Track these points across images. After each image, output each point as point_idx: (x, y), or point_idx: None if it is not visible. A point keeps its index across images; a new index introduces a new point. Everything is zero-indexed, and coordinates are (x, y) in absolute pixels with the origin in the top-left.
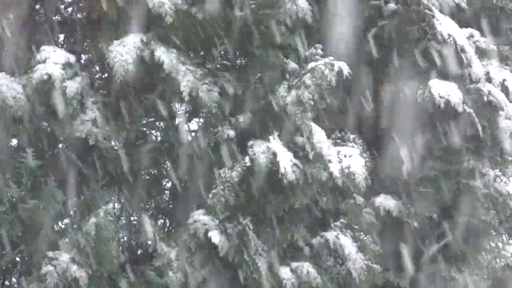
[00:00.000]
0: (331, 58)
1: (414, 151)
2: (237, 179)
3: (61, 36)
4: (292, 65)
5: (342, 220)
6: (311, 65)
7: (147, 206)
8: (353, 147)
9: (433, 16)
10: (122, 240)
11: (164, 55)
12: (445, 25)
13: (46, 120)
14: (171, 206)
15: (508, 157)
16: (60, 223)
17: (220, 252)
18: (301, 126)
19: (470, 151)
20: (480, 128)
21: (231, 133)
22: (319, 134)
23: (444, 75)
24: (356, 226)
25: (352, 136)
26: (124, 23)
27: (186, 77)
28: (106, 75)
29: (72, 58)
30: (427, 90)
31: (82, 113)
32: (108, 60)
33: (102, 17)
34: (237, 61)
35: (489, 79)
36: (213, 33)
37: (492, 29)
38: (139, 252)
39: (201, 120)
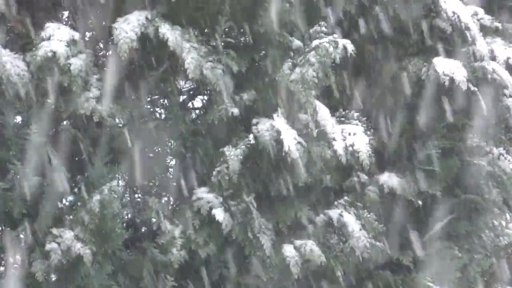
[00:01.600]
0: (335, 35)
1: (418, 129)
2: (241, 157)
3: (66, 13)
4: (297, 42)
5: (345, 198)
6: (315, 42)
7: (151, 184)
8: (357, 125)
9: None
10: (126, 217)
11: (169, 32)
12: (449, 2)
13: (50, 97)
14: (175, 183)
15: None
16: (64, 200)
17: (224, 230)
18: (305, 104)
19: (474, 129)
20: (484, 106)
21: (235, 110)
22: (323, 112)
23: (448, 53)
24: (359, 204)
25: (356, 114)
26: (128, 0)
27: (191, 54)
28: (110, 52)
29: (76, 36)
30: (431, 68)
31: (86, 90)
32: (112, 38)
33: None
34: (242, 39)
35: (493, 57)
36: (218, 10)
37: (497, 6)
38: (143, 230)
39: (205, 97)
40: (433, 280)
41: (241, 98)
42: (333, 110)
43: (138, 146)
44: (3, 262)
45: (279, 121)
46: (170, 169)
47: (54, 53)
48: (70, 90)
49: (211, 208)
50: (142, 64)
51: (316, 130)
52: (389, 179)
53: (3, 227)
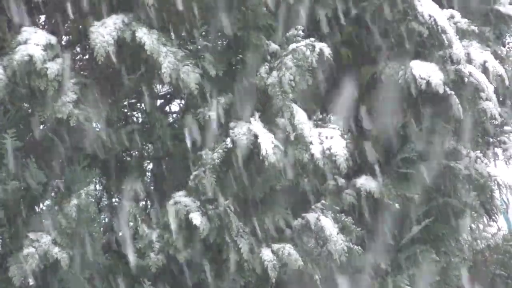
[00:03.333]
0: (312, 39)
1: (395, 132)
2: (218, 161)
3: (42, 17)
4: (273, 46)
5: (323, 201)
6: (292, 46)
7: (128, 188)
8: (334, 128)
9: None
10: (103, 221)
11: (146, 36)
12: (425, 5)
13: (27, 101)
14: (152, 188)
15: (489, 139)
16: (41, 205)
17: (202, 234)
18: (282, 108)
19: (451, 132)
20: (461, 109)
21: (212, 114)
22: (300, 116)
23: (425, 56)
24: (337, 208)
25: (333, 118)
26: (105, 4)
27: (167, 59)
28: (87, 56)
29: (53, 40)
30: (408, 71)
31: (63, 94)
32: (89, 42)
33: None
34: (219, 43)
35: (469, 61)
36: (194, 14)
37: (473, 10)
38: (120, 234)
39: (183, 101)
40: (411, 284)
41: (218, 102)
42: (310, 113)
43: (115, 150)
44: None
45: (256, 124)
46: (147, 173)
47: (31, 57)
48: (47, 94)
49: (188, 212)
50: (119, 68)
51: (294, 134)
52: (366, 182)
53: None
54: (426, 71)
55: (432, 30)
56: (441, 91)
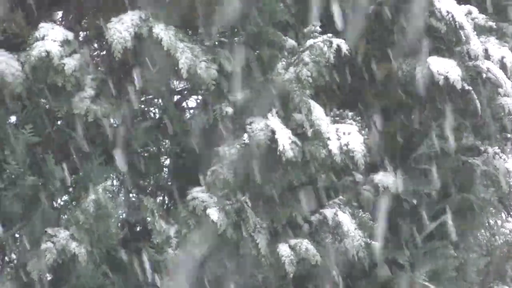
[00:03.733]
0: (329, 35)
1: (413, 128)
2: (235, 157)
3: (59, 13)
4: (291, 42)
5: (340, 197)
6: (310, 42)
7: (146, 183)
8: (351, 124)
9: None
10: (121, 217)
11: (163, 32)
12: (443, 2)
13: (44, 97)
14: (169, 183)
15: (507, 134)
16: (59, 200)
17: (219, 229)
18: (300, 103)
19: (469, 128)
20: (479, 105)
21: (230, 110)
22: (317, 111)
23: (442, 52)
24: (355, 203)
25: (350, 113)
26: (122, 0)
27: (184, 54)
28: (104, 52)
29: (70, 35)
30: (425, 67)
31: (80, 90)
32: (106, 38)
33: None
34: (235, 39)
35: (487, 56)
36: (212, 10)
37: (491, 6)
38: (138, 229)
39: (200, 97)
40: (429, 279)
41: (235, 98)
42: (327, 109)
43: (132, 145)
44: None
45: (273, 120)
46: (164, 169)
47: (48, 53)
48: (64, 90)
49: (206, 208)
50: (136, 64)
51: (311, 130)
52: (384, 178)
53: None
54: (444, 67)
55: (449, 26)
56: (459, 87)
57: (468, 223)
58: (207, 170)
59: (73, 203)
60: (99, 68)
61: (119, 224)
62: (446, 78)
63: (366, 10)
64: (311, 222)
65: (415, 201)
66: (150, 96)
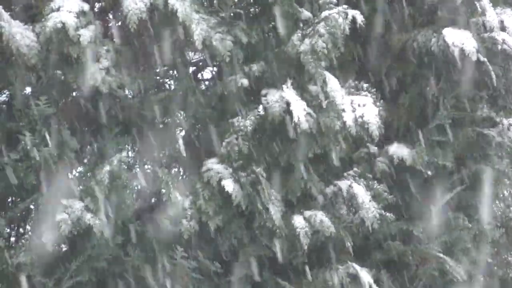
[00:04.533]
0: (344, 6)
1: (428, 100)
2: (250, 128)
3: None
4: (306, 13)
5: (355, 169)
6: (325, 13)
7: (161, 155)
8: (366, 96)
9: None
10: (135, 188)
11: (178, 4)
12: None
13: (60, 68)
14: (184, 155)
15: None
16: (74, 171)
17: (234, 201)
18: (315, 75)
19: (484, 99)
20: (494, 76)
21: (245, 81)
22: (332, 83)
23: (458, 24)
24: (369, 175)
25: (365, 85)
26: None
27: (200, 26)
28: (120, 23)
29: (85, 7)
30: (440, 39)
31: (96, 61)
32: (122, 9)
33: None
34: (251, 10)
35: (503, 28)
36: None
37: None
38: (153, 201)
39: (215, 69)
40: (443, 251)
41: (250, 69)
42: (342, 81)
43: (147, 117)
44: (13, 232)
45: (288, 92)
46: (180, 140)
47: (64, 24)
48: (80, 61)
49: (220, 179)
50: (151, 35)
51: (326, 101)
52: (399, 149)
53: (14, 198)
54: (459, 39)
55: None
56: (474, 58)
57: (482, 195)
58: (222, 142)
59: (88, 174)
60: (114, 40)
61: (134, 195)
62: (462, 50)
63: None
64: (326, 194)
65: (430, 173)
66: (165, 68)
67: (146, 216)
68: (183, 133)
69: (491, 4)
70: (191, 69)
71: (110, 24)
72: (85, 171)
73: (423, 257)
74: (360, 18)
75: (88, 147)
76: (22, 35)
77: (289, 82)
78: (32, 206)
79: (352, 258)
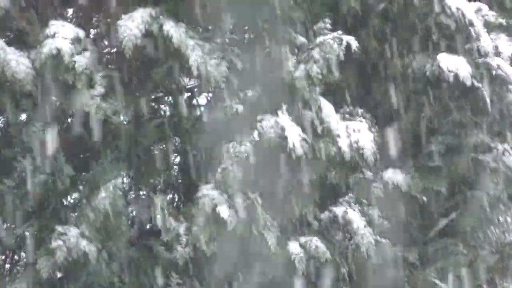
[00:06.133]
0: (339, 32)
1: (423, 125)
2: (245, 154)
3: (70, 11)
4: (301, 39)
5: (350, 194)
6: (320, 39)
7: (156, 181)
8: (361, 121)
9: None
10: (131, 214)
11: (173, 30)
12: None
13: (55, 94)
14: (179, 181)
15: None
16: (69, 198)
17: (229, 227)
18: (310, 101)
19: (479, 125)
20: (488, 102)
21: (240, 107)
22: (327, 109)
23: (452, 49)
24: (364, 201)
25: (360, 111)
26: None
27: (195, 52)
28: (115, 50)
29: (81, 33)
30: (435, 64)
31: (91, 87)
32: (117, 35)
33: None
34: (246, 36)
35: (497, 53)
36: (222, 7)
37: (500, 2)
38: (147, 227)
39: (210, 94)
40: (439, 277)
41: (246, 95)
42: (337, 106)
43: (142, 143)
44: (8, 259)
45: (283, 118)
46: (174, 166)
47: (59, 50)
48: (75, 88)
49: (215, 205)
50: (146, 61)
51: (321, 127)
52: (394, 175)
53: (9, 224)
54: (453, 64)
55: (459, 23)
56: (468, 83)
57: (478, 220)
58: (217, 168)
59: (84, 200)
60: (110, 66)
61: (129, 222)
62: (456, 75)
63: (376, 7)
64: (321, 219)
65: (425, 198)
66: (161, 94)
67: (141, 242)
68: (178, 159)
69: (485, 30)
70: (186, 95)
71: (105, 51)
72: (80, 197)
73: (418, 283)
74: (355, 44)
75: (83, 173)
76: (17, 62)
77: (284, 107)
78: (27, 233)
79: (348, 284)
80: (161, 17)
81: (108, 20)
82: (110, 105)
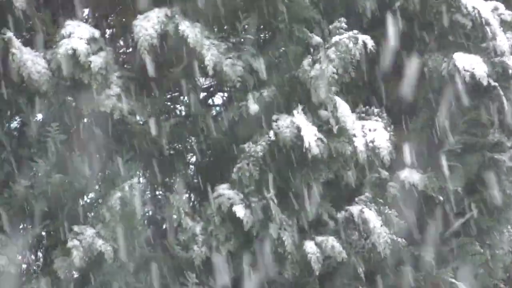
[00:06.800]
0: (355, 31)
1: (439, 124)
2: (261, 153)
3: (86, 11)
4: (316, 39)
5: (366, 194)
6: (335, 38)
7: (172, 181)
8: (377, 121)
9: None
10: (147, 214)
11: (189, 30)
12: None
13: (71, 94)
14: (195, 180)
15: None
16: (85, 198)
17: (245, 226)
18: (325, 100)
19: (495, 124)
20: (505, 101)
21: (255, 107)
22: (343, 108)
23: (468, 48)
24: (380, 200)
25: (376, 110)
26: None
27: (210, 51)
28: (130, 50)
29: (96, 33)
30: (451, 63)
31: (107, 87)
32: (132, 35)
33: None
34: (261, 35)
35: None
36: (237, 7)
37: None
38: (164, 227)
39: (225, 94)
40: (455, 276)
41: (261, 95)
42: (353, 106)
43: (158, 143)
44: (25, 259)
45: (299, 117)
46: (190, 166)
47: (75, 50)
48: (91, 88)
49: (232, 205)
50: (162, 61)
51: (337, 126)
52: (410, 175)
53: (25, 225)
54: (470, 63)
55: (475, 22)
56: (485, 83)
57: (494, 220)
58: (233, 167)
59: (100, 200)
60: (125, 66)
61: (145, 221)
62: (472, 75)
63: (392, 5)
64: (337, 219)
65: (441, 198)
66: (176, 93)
67: (158, 242)
68: (194, 158)
69: (502, 29)
70: (202, 94)
71: (121, 50)
72: (96, 197)
73: (435, 283)
74: (370, 43)
75: (99, 173)
76: (33, 62)
77: (299, 107)
78: (43, 233)
79: (364, 283)
80: (176, 16)
81: (124, 20)
82: (126, 104)
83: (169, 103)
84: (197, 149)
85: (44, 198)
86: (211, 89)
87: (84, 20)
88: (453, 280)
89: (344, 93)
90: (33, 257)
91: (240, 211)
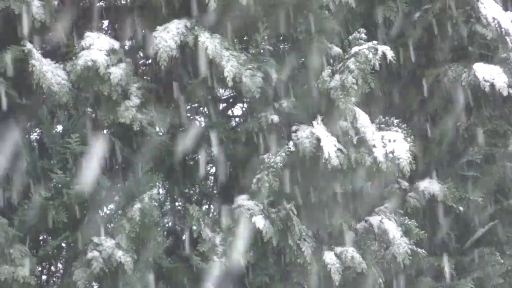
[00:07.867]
0: (374, 42)
1: (459, 135)
2: (281, 164)
3: (105, 22)
4: (336, 49)
5: (386, 204)
6: (355, 49)
7: (191, 192)
8: (397, 131)
9: (478, 0)
10: (166, 225)
11: (208, 41)
12: (489, 8)
13: (90, 106)
14: (215, 191)
15: None
16: (105, 209)
17: (265, 237)
18: (345, 111)
19: None
20: None
21: (275, 118)
22: (363, 119)
23: (488, 59)
24: (400, 211)
25: (396, 121)
26: (168, 8)
27: (230, 63)
28: (150, 61)
29: (116, 45)
30: (471, 74)
31: (126, 99)
32: (152, 46)
33: (146, 2)
34: (281, 46)
35: None
36: (256, 18)
37: None
38: (183, 238)
39: (245, 105)
40: (476, 286)
41: (281, 106)
42: (373, 116)
43: (178, 154)
44: (45, 271)
45: (318, 128)
46: (210, 177)
47: (94, 62)
48: (110, 99)
49: (251, 216)
50: (181, 72)
51: (356, 137)
52: (430, 185)
53: (45, 236)
54: (489, 74)
55: (495, 33)
56: (505, 93)
57: None
58: (253, 178)
59: (119, 211)
60: (145, 77)
61: (165, 232)
62: (492, 85)
63: (411, 16)
64: (357, 229)
65: (461, 208)
66: (196, 105)
67: (177, 253)
68: (213, 169)
69: None
70: (222, 105)
71: (140, 62)
72: (116, 208)
73: None
74: (390, 54)
75: (119, 184)
76: (53, 73)
77: (319, 118)
78: (63, 244)
79: None
80: (196, 28)
81: (143, 31)
82: (145, 116)
83: (188, 114)
84: (217, 160)
85: (63, 209)
86: (231, 100)
87: (104, 32)
88: None
89: (364, 103)
90: (53, 268)
91: (259, 221)
